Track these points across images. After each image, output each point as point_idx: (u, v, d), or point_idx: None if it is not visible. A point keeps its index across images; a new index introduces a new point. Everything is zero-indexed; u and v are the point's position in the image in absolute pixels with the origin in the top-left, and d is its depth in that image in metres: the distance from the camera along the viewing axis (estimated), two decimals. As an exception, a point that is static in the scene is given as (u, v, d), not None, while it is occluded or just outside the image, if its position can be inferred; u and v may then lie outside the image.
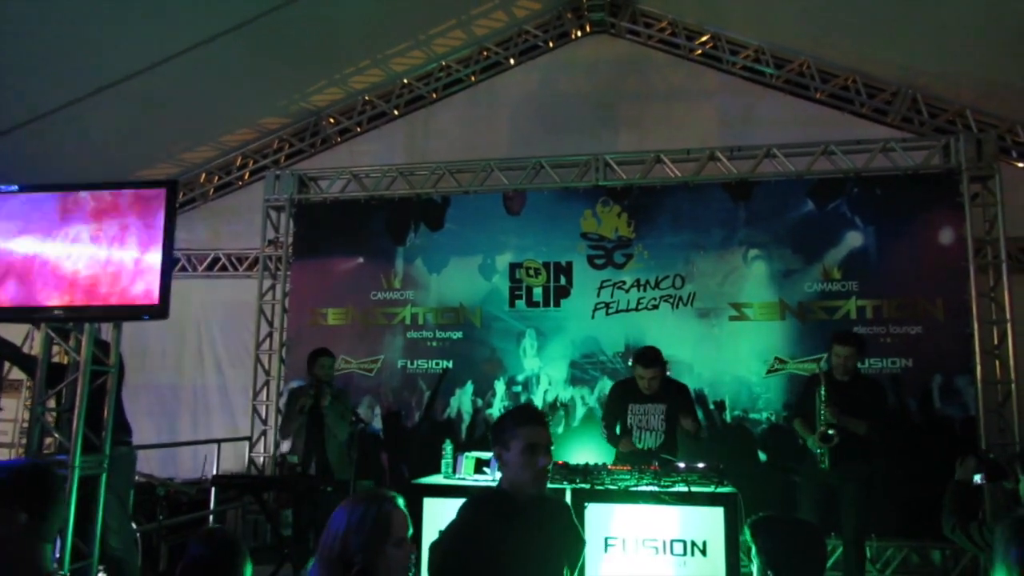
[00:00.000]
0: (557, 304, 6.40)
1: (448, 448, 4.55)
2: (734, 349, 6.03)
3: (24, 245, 3.46)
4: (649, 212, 6.36)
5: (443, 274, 6.67)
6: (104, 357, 3.51)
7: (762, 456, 5.85)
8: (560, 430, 6.14)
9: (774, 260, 6.08)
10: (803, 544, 1.95)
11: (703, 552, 3.74)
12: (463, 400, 6.43)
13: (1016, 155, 6.47)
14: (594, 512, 3.85)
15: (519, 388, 6.35)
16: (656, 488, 3.91)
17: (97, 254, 3.39)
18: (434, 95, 7.70)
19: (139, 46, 5.74)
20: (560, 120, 7.17)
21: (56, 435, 3.42)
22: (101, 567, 3.82)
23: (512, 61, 7.61)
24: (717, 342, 6.07)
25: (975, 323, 5.64)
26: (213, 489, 6.24)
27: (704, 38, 7.21)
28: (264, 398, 7.00)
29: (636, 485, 3.95)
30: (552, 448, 2.38)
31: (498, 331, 6.48)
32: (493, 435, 2.38)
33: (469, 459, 4.45)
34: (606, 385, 5.87)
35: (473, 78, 7.65)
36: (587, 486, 3.94)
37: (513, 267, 6.53)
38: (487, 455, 4.36)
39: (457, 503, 2.38)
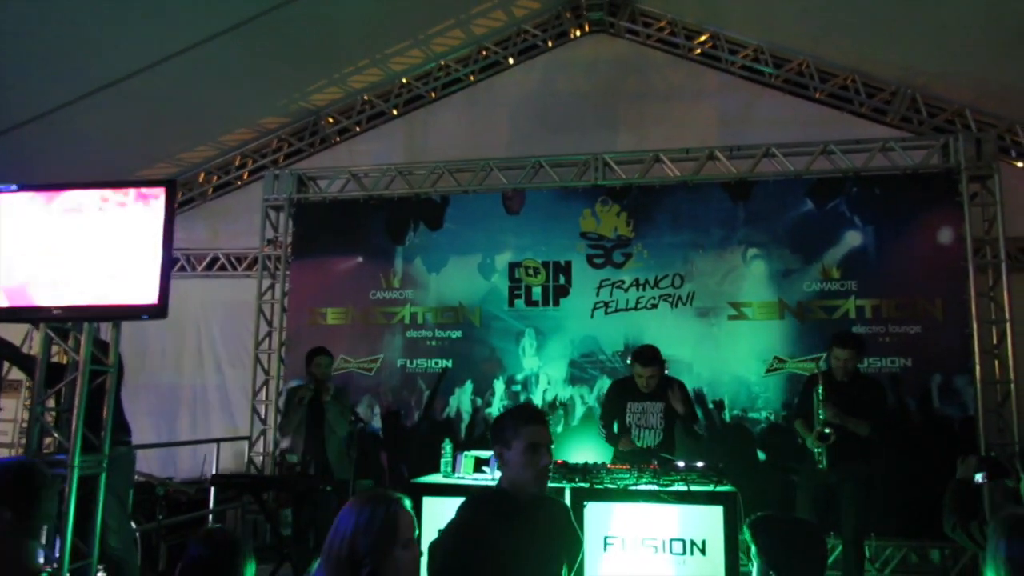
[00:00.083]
0: (556, 303, 6.41)
1: (447, 447, 4.55)
2: (733, 348, 6.03)
3: (23, 244, 3.46)
4: (648, 211, 6.36)
5: (442, 273, 6.68)
6: (103, 357, 3.51)
7: (761, 455, 5.86)
8: (559, 429, 6.15)
9: (773, 259, 6.08)
10: (803, 543, 1.95)
11: (702, 551, 3.75)
12: (462, 399, 6.43)
13: (1015, 155, 6.47)
14: (593, 511, 3.86)
15: (518, 387, 6.36)
16: (655, 487, 3.91)
17: (96, 253, 3.39)
18: (433, 95, 7.70)
19: (138, 46, 5.73)
20: (559, 119, 7.16)
21: (55, 435, 3.42)
22: (100, 566, 3.82)
23: (511, 60, 7.60)
24: (716, 341, 6.07)
25: (974, 323, 5.64)
26: (212, 489, 6.24)
27: (703, 37, 7.21)
28: (263, 398, 7.00)
29: (635, 484, 3.95)
30: (552, 447, 2.38)
31: (497, 330, 6.48)
32: (493, 434, 2.38)
33: (468, 458, 4.46)
34: (605, 384, 5.87)
35: (472, 78, 7.65)
36: (586, 485, 3.95)
37: (512, 266, 6.53)
38: (486, 454, 4.36)
39: (456, 502, 2.38)
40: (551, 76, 7.49)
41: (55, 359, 3.87)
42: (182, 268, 7.71)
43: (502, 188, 6.69)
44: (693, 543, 3.76)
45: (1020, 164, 6.46)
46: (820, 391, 4.51)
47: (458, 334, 6.56)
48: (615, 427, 4.85)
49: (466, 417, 6.40)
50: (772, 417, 5.87)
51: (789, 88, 6.96)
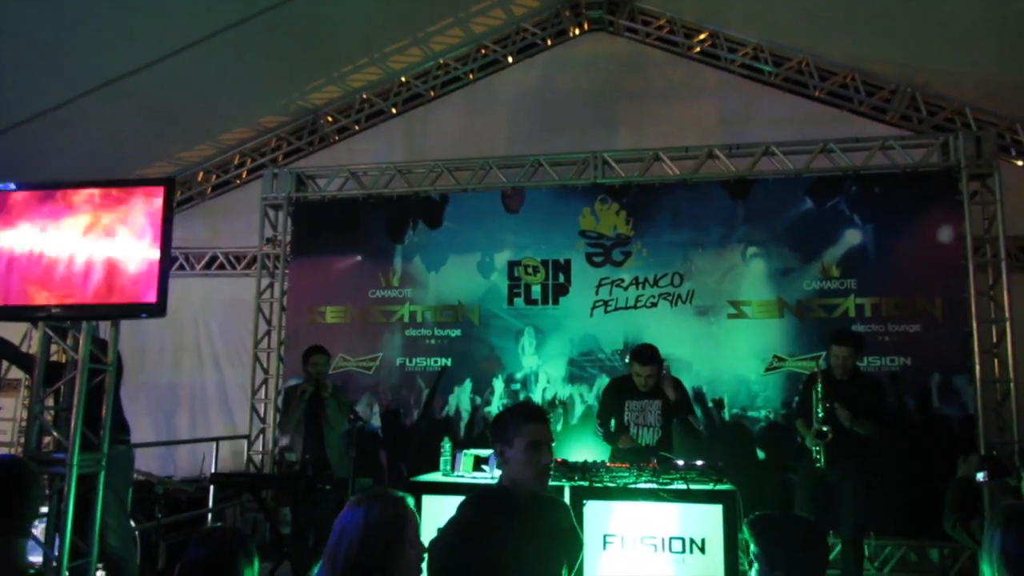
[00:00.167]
0: (556, 302, 6.40)
1: (447, 446, 4.55)
2: (733, 347, 6.03)
3: (21, 243, 3.45)
4: (648, 210, 6.36)
5: (441, 272, 6.67)
6: (102, 355, 3.51)
7: (760, 454, 5.86)
8: (559, 428, 6.14)
9: (773, 258, 6.08)
10: (804, 542, 1.94)
11: (701, 549, 3.75)
12: (462, 398, 6.43)
13: (1015, 153, 6.47)
14: (593, 509, 3.85)
15: (518, 386, 6.35)
16: (655, 485, 3.91)
17: (95, 252, 3.39)
18: (432, 93, 7.70)
19: (137, 45, 5.73)
20: (558, 118, 7.16)
21: (54, 433, 3.41)
22: (99, 565, 3.82)
23: (510, 59, 7.60)
24: (716, 340, 6.07)
25: (974, 322, 5.64)
26: (211, 487, 6.23)
27: (703, 36, 7.21)
28: (262, 396, 7.00)
29: (635, 482, 3.95)
30: (553, 445, 2.38)
31: (497, 329, 6.48)
32: (494, 432, 2.38)
33: (468, 457, 4.45)
34: (604, 383, 5.86)
35: (471, 76, 7.65)
36: (586, 483, 3.94)
37: (512, 265, 6.52)
38: (486, 453, 4.36)
39: (456, 501, 2.37)
40: (550, 74, 7.48)
41: (54, 358, 3.86)
42: (181, 267, 7.70)
43: (501, 186, 6.68)
44: (692, 542, 3.76)
45: (1020, 163, 6.45)
46: (819, 389, 4.51)
47: (457, 333, 6.56)
48: (612, 425, 4.84)
49: (465, 416, 6.40)
50: (771, 416, 5.87)
51: (789, 86, 6.96)
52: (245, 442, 6.87)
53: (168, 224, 3.36)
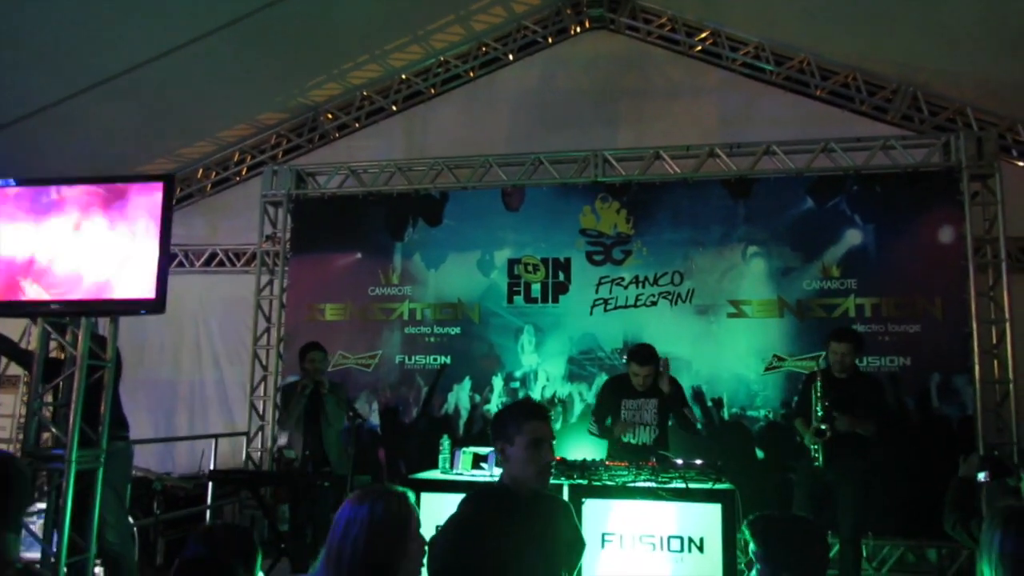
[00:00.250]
0: (555, 300, 6.40)
1: (446, 444, 4.55)
2: (732, 346, 6.03)
3: (20, 239, 3.45)
4: (648, 208, 6.35)
5: (441, 270, 6.67)
6: (101, 352, 3.51)
7: (759, 453, 5.85)
8: (558, 426, 6.14)
9: (773, 257, 6.08)
10: (804, 542, 1.94)
11: (700, 548, 3.74)
12: (461, 396, 6.42)
13: (1016, 154, 6.46)
14: (591, 508, 3.85)
15: (517, 384, 6.35)
16: (654, 484, 3.91)
17: (94, 248, 3.38)
18: (432, 91, 7.69)
19: (137, 41, 5.71)
20: (559, 116, 7.15)
21: (53, 430, 3.41)
22: (98, 561, 3.82)
23: (511, 57, 7.59)
24: (715, 339, 6.06)
25: (974, 322, 5.63)
26: (210, 484, 6.23)
27: (704, 34, 7.20)
28: (261, 393, 7.00)
29: (634, 481, 3.95)
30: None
31: (496, 327, 6.47)
32: (494, 430, 2.37)
33: (466, 455, 4.46)
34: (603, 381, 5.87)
35: (472, 74, 7.64)
36: (584, 482, 3.95)
37: (512, 263, 6.52)
38: (485, 451, 4.36)
39: (454, 498, 2.37)
40: (551, 72, 7.47)
41: (53, 354, 3.86)
42: (180, 263, 7.69)
43: (502, 184, 6.67)
44: (691, 540, 3.76)
45: (1021, 163, 6.44)
46: (819, 388, 4.51)
47: (457, 330, 6.56)
48: (607, 422, 4.85)
49: (464, 414, 6.40)
50: (771, 415, 5.86)
51: (790, 85, 6.95)
52: (244, 439, 6.87)
53: (167, 220, 3.35)
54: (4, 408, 6.88)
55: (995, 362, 5.71)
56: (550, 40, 7.56)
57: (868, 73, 6.75)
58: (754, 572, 1.91)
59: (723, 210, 6.21)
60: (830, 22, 6.50)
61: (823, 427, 4.41)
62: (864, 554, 5.15)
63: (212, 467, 6.33)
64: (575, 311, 6.33)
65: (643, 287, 6.24)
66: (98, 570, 4.00)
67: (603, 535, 3.83)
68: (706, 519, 3.77)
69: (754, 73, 7.03)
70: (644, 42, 7.32)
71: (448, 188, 6.79)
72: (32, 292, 3.38)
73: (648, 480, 3.95)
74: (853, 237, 5.97)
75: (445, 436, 4.64)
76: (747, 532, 1.95)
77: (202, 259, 7.78)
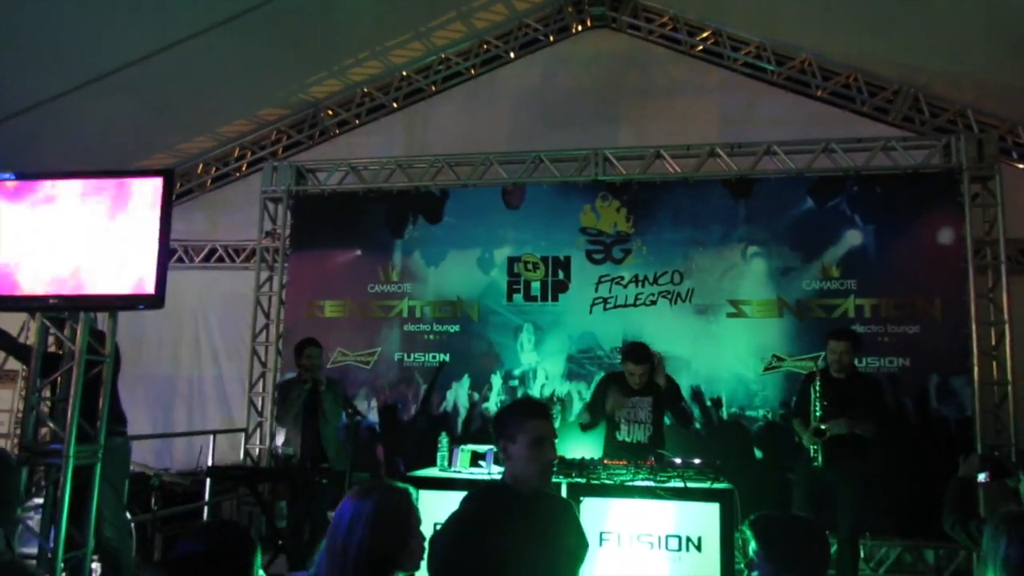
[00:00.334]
0: (555, 299, 6.39)
1: (444, 441, 4.54)
2: (732, 346, 6.02)
3: (20, 233, 3.44)
4: (648, 208, 6.34)
5: (441, 267, 6.66)
6: (100, 347, 3.50)
7: (758, 453, 5.85)
8: (556, 425, 6.11)
9: (773, 257, 6.07)
10: (808, 542, 1.93)
11: (698, 548, 3.74)
12: (459, 394, 6.42)
13: (1017, 156, 6.45)
14: (589, 506, 3.85)
15: (516, 382, 6.35)
16: (652, 483, 3.91)
17: (93, 243, 3.38)
18: (433, 88, 7.67)
19: (137, 36, 5.70)
20: (560, 114, 7.14)
21: (51, 425, 3.41)
22: (95, 557, 3.82)
23: (512, 55, 7.57)
24: (715, 339, 6.06)
25: (973, 324, 5.64)
26: (208, 480, 6.23)
27: (705, 34, 7.19)
28: (260, 390, 6.99)
29: (632, 480, 3.95)
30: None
31: (495, 325, 6.47)
32: (496, 429, 2.36)
33: (465, 452, 4.46)
34: (603, 380, 5.87)
35: (473, 71, 7.63)
36: (583, 480, 3.95)
37: (511, 261, 6.51)
38: (483, 448, 4.36)
39: (452, 496, 2.37)
40: (552, 71, 7.47)
41: (51, 349, 3.85)
42: (180, 259, 7.68)
43: (502, 182, 6.67)
44: (689, 540, 3.75)
45: (1021, 165, 6.44)
46: (818, 388, 4.51)
47: (456, 328, 6.55)
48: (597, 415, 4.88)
49: (463, 412, 6.39)
50: (769, 415, 5.86)
51: (791, 86, 6.94)
52: (242, 435, 6.86)
53: (167, 215, 3.35)
54: (2, 403, 6.88)
55: (994, 363, 5.72)
56: (551, 38, 7.55)
57: (869, 74, 6.75)
58: (755, 573, 1.90)
59: (723, 210, 6.20)
60: (832, 23, 6.50)
61: (823, 427, 4.42)
62: (862, 554, 5.15)
63: (210, 463, 6.32)
64: (574, 310, 6.33)
65: (643, 286, 6.24)
66: (95, 566, 4.00)
67: (601, 534, 3.83)
68: (704, 518, 3.77)
69: (755, 73, 7.02)
70: (645, 41, 7.31)
71: (448, 185, 6.78)
72: (30, 287, 3.37)
73: (646, 479, 3.95)
74: (853, 238, 5.97)
75: (443, 434, 4.63)
76: (749, 532, 1.95)
77: (201, 255, 7.77)
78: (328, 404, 5.21)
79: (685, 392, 5.47)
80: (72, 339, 3.39)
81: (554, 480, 3.87)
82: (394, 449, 6.42)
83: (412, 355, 6.59)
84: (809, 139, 6.23)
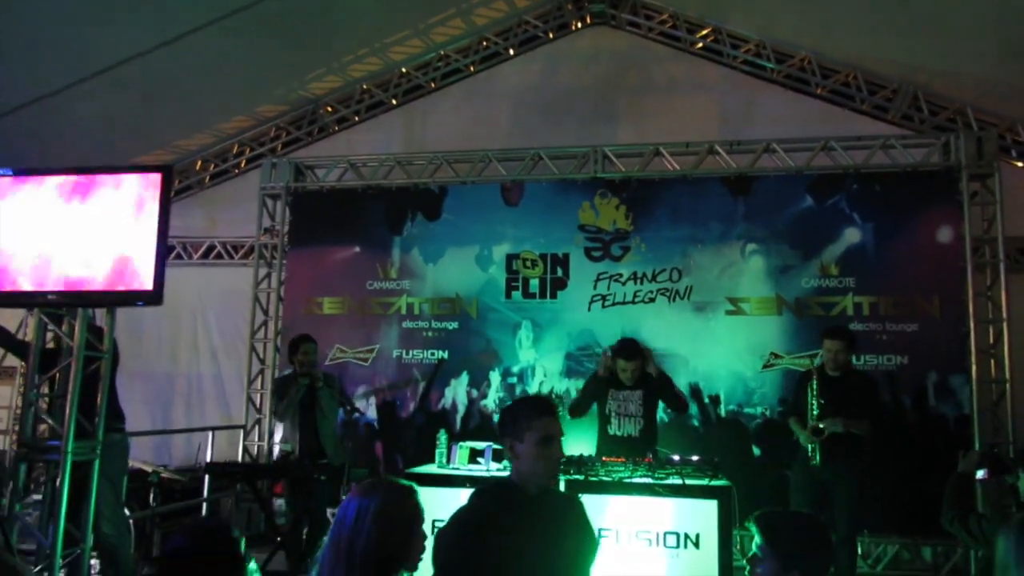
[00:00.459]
0: (553, 296, 6.39)
1: (443, 438, 4.55)
2: (730, 343, 6.03)
3: (17, 230, 3.43)
4: (647, 205, 6.34)
5: (439, 264, 6.65)
6: (98, 343, 3.50)
7: (756, 451, 5.86)
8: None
9: (772, 255, 6.07)
10: (810, 538, 1.93)
11: (696, 545, 3.75)
12: (458, 391, 6.42)
13: (1016, 154, 6.46)
14: (588, 503, 3.77)
15: (514, 379, 6.35)
16: (650, 480, 3.91)
17: (91, 239, 3.37)
18: (433, 85, 7.67)
19: (136, 32, 5.68)
20: (559, 111, 7.13)
21: (49, 421, 3.41)
22: (94, 553, 3.82)
23: (512, 52, 7.56)
24: (713, 336, 6.06)
25: (971, 322, 5.64)
26: (207, 477, 6.23)
27: (705, 31, 7.18)
28: (259, 387, 6.99)
29: (630, 477, 3.96)
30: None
31: (494, 322, 6.47)
32: (503, 426, 2.35)
33: (463, 449, 4.46)
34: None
35: (472, 68, 7.62)
36: (581, 477, 3.95)
37: (510, 258, 6.51)
38: (481, 445, 4.37)
39: (451, 493, 2.37)
40: (551, 68, 7.46)
41: (50, 345, 3.85)
42: (178, 256, 7.68)
43: (501, 179, 6.66)
44: (687, 537, 3.77)
45: (1020, 164, 6.45)
46: (814, 386, 4.51)
47: (454, 325, 6.55)
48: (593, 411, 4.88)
49: (461, 408, 6.40)
50: (767, 413, 5.87)
51: (790, 84, 6.95)
52: (241, 432, 6.86)
53: (165, 212, 3.35)
54: (0, 399, 6.87)
55: (992, 362, 5.72)
56: (551, 35, 7.54)
57: (869, 72, 6.75)
58: (761, 570, 1.90)
59: (722, 207, 6.20)
60: (831, 21, 6.50)
61: (821, 426, 4.42)
62: (859, 552, 5.16)
63: (208, 460, 6.32)
64: (573, 307, 6.33)
65: (641, 283, 6.24)
66: (94, 562, 4.00)
67: (599, 531, 3.82)
68: (702, 515, 3.78)
69: (755, 71, 7.02)
70: (645, 38, 7.31)
71: (447, 182, 6.78)
72: (29, 283, 3.37)
73: (644, 476, 3.96)
74: (852, 236, 5.97)
75: (442, 431, 4.64)
76: (754, 527, 1.95)
77: (200, 251, 7.77)
78: (325, 400, 5.21)
79: (684, 390, 5.48)
80: (70, 335, 3.39)
81: (552, 477, 3.88)
82: (393, 446, 6.42)
83: (411, 352, 6.59)
84: (808, 137, 6.23)
